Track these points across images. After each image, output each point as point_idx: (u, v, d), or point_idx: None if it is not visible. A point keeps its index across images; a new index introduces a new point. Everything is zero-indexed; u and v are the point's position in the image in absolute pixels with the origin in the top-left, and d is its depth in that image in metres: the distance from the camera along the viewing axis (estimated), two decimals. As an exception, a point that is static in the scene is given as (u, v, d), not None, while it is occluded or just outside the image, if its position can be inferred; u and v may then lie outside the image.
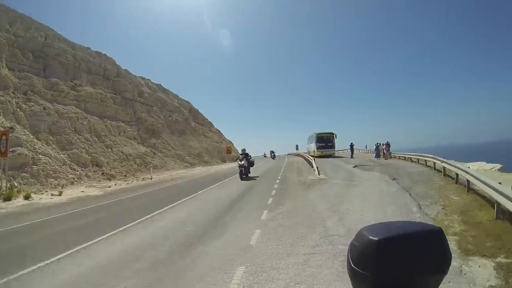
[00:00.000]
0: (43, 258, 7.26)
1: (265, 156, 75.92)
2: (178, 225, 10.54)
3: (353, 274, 1.21)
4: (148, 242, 8.57)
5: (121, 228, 10.11)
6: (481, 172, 13.16)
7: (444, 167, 16.87)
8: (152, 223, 10.96)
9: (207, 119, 78.31)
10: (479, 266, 5.73)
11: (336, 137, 46.60)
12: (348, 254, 1.25)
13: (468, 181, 12.11)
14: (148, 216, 11.88)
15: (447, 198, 11.71)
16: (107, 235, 9.37)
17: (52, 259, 7.28)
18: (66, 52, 41.11)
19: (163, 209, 13.20)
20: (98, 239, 8.96)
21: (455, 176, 14.45)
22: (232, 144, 77.53)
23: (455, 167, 14.42)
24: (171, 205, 14.11)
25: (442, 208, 10.33)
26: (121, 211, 13.64)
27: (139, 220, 11.26)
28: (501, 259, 5.95)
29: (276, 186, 18.45)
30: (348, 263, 1.22)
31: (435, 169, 19.42)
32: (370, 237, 1.16)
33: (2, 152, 18.10)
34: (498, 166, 21.64)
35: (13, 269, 6.58)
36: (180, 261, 6.95)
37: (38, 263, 6.97)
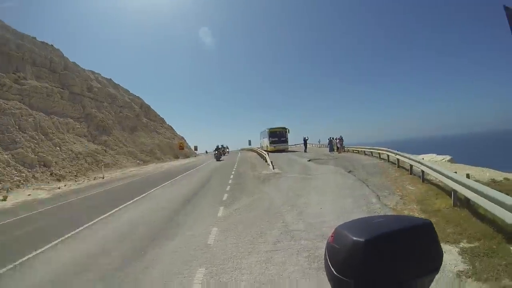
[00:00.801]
0: None
1: (207, 152, 74.28)
2: (130, 227, 10.07)
3: (335, 283, 1.07)
4: (98, 248, 8.04)
5: (69, 234, 9.44)
6: (434, 163, 13.82)
7: (398, 159, 17.30)
8: (102, 227, 10.41)
9: (158, 115, 76.62)
10: (445, 252, 5.85)
11: (288, 132, 47.07)
12: (326, 258, 1.09)
13: (422, 171, 12.48)
14: (98, 219, 11.28)
15: (404, 188, 11.97)
16: (53, 243, 8.68)
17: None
18: (8, 41, 38.18)
19: (114, 210, 12.63)
20: (43, 249, 8.20)
21: (409, 168, 14.90)
22: (185, 140, 76.48)
23: (410, 159, 14.86)
24: (123, 205, 13.53)
25: (400, 198, 10.52)
26: (70, 215, 12.86)
27: (88, 224, 10.66)
28: (464, 244, 6.11)
29: (230, 181, 18.22)
30: (328, 269, 1.07)
31: (389, 161, 19.81)
32: (354, 238, 1.01)
33: None
34: (448, 157, 22.75)
35: None
36: (134, 267, 6.50)
37: None
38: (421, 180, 12.65)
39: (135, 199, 15.05)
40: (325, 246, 1.11)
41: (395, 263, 1.01)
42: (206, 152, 75.38)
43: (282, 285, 5.22)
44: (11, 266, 7.08)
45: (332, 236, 1.12)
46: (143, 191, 17.39)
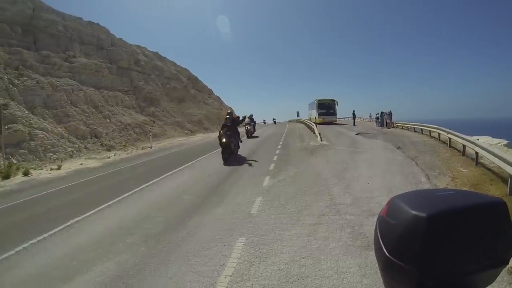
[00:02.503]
0: (35, 236, 6.90)
1: (265, 123, 77.39)
2: (176, 193, 10.10)
3: (386, 266, 0.88)
4: (144, 213, 8.14)
5: (116, 199, 9.68)
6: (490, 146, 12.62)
7: (449, 139, 16.19)
8: (149, 193, 10.54)
9: (206, 86, 77.22)
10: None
11: (337, 104, 46.03)
12: (377, 235, 0.93)
13: (476, 153, 11.55)
14: (144, 186, 11.49)
15: (455, 170, 11.18)
16: (101, 207, 8.97)
17: (45, 235, 6.94)
18: (56, 23, 39.76)
19: (161, 177, 12.81)
20: (91, 212, 8.54)
21: (461, 148, 13.92)
22: (233, 110, 76.99)
23: (463, 138, 13.77)
24: (170, 173, 13.71)
25: (451, 180, 9.82)
26: (117, 181, 13.19)
27: (135, 190, 10.86)
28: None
29: (277, 151, 18.04)
30: (378, 248, 0.90)
31: (439, 140, 18.82)
32: (414, 212, 0.82)
33: (-5, 129, 17.64)
34: (505, 141, 21.03)
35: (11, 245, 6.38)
36: (176, 233, 6.50)
37: (30, 241, 6.64)
38: (474, 163, 11.72)
39: (181, 167, 15.20)
40: (376, 220, 0.93)
41: (460, 247, 0.81)
42: (264, 122, 78.97)
43: (323, 261, 4.90)
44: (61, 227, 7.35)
45: (385, 208, 0.92)
46: (190, 159, 17.57)
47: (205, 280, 4.51)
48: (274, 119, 79.77)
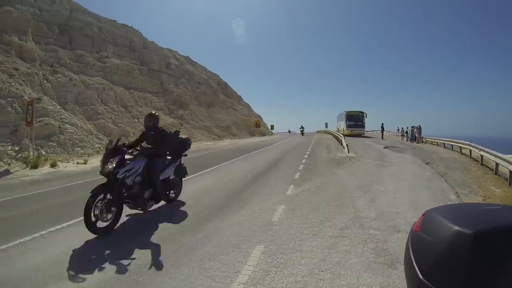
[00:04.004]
0: (55, 224, 6.95)
1: (290, 132, 76.44)
2: (197, 196, 9.99)
3: None
4: (161, 214, 8.01)
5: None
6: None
7: (481, 156, 15.59)
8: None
9: (236, 92, 77.59)
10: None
11: (366, 117, 45.49)
12: (409, 253, 0.82)
13: (510, 172, 11.03)
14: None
15: (487, 189, 10.62)
16: None
17: (63, 224, 7.04)
18: (91, 25, 41.26)
19: (184, 179, 12.69)
20: None
21: (494, 167, 13.32)
22: (261, 118, 76.86)
23: (496, 156, 13.15)
24: (193, 175, 13.56)
25: (483, 200, 9.26)
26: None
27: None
28: None
29: (304, 161, 17.84)
30: (410, 269, 0.79)
31: (470, 157, 18.20)
32: (456, 228, 0.71)
33: (29, 121, 18.14)
34: None
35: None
36: (193, 235, 6.34)
37: (49, 228, 6.73)
38: (507, 183, 11.17)
39: (206, 170, 15.26)
40: (408, 236, 0.83)
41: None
42: (289, 131, 77.46)
43: (343, 276, 4.58)
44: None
45: (419, 222, 0.84)
46: (216, 163, 17.62)
47: (217, 286, 4.30)
48: (301, 128, 64.62)
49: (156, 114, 8.24)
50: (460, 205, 0.72)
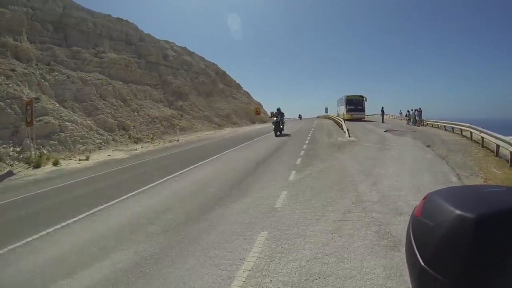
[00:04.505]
0: (60, 221, 7.04)
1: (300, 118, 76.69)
2: (200, 186, 10.06)
3: (420, 278, 0.68)
4: (166, 204, 8.13)
5: (140, 190, 9.74)
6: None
7: (482, 138, 15.38)
8: (173, 184, 10.57)
9: (235, 81, 77.04)
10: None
11: (366, 101, 45.16)
12: (410, 238, 0.72)
13: (511, 154, 10.94)
14: (169, 177, 11.55)
15: (488, 171, 10.58)
16: (125, 196, 9.06)
17: (69, 221, 7.07)
18: (86, 21, 40.88)
19: (186, 169, 12.85)
20: (115, 201, 8.64)
21: (495, 149, 13.19)
22: (261, 105, 76.47)
23: (496, 138, 12.98)
24: (195, 165, 13.72)
25: (484, 181, 9.28)
26: (143, 172, 13.33)
27: (159, 181, 10.92)
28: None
29: (305, 146, 17.88)
30: (411, 254, 0.71)
31: (471, 139, 18.01)
32: (458, 212, 0.62)
33: (28, 121, 18.12)
34: None
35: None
36: (197, 225, 6.42)
37: (54, 226, 6.79)
38: (508, 164, 11.09)
39: (207, 160, 15.28)
40: (408, 220, 0.73)
41: None
42: (300, 117, 76.92)
43: (346, 260, 4.63)
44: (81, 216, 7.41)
45: (420, 206, 0.72)
46: (216, 152, 17.62)
47: (223, 273, 4.36)
48: (299, 115, 79.26)
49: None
50: (462, 187, 0.70)
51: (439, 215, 0.64)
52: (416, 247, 0.67)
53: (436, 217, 0.65)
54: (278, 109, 27.07)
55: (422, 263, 0.65)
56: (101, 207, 8.13)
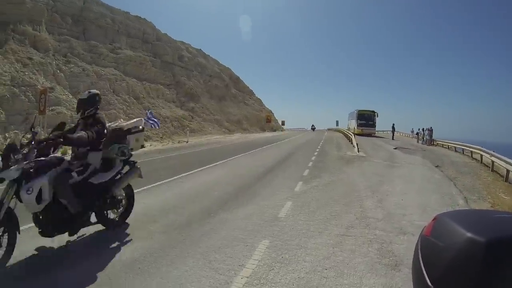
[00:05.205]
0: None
1: (313, 129, 76.18)
2: (206, 188, 10.04)
3: None
4: (170, 204, 8.11)
5: (145, 187, 9.71)
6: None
7: (492, 162, 15.27)
8: (179, 185, 10.56)
9: (248, 87, 77.36)
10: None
11: (377, 116, 45.15)
12: (417, 258, 0.79)
13: None
14: (176, 177, 11.55)
15: (496, 196, 10.49)
16: None
17: None
18: (105, 16, 41.59)
19: (193, 171, 12.86)
20: None
21: (505, 174, 13.09)
22: (273, 113, 76.58)
23: (507, 162, 12.90)
24: (202, 168, 13.74)
25: (491, 206, 9.20)
26: (148, 171, 13.34)
27: (166, 180, 10.93)
28: None
29: (314, 158, 17.91)
30: (419, 276, 0.74)
31: (481, 162, 17.91)
32: (470, 235, 0.67)
33: (41, 109, 18.34)
34: None
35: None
36: (200, 227, 6.40)
37: None
38: None
39: (216, 163, 15.29)
40: (417, 240, 0.85)
41: None
42: (313, 127, 76.00)
43: (346, 275, 4.57)
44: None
45: (430, 226, 0.83)
46: (225, 157, 17.68)
47: (221, 278, 4.33)
48: (312, 125, 77.11)
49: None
50: (471, 211, 0.69)
51: (449, 237, 0.64)
52: (424, 266, 0.67)
53: (446, 238, 0.65)
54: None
55: (429, 283, 0.66)
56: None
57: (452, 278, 0.61)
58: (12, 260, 4.55)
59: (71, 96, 25.95)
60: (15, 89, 21.31)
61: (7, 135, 18.35)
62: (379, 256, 5.20)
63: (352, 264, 4.90)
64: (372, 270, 4.71)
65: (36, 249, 5.08)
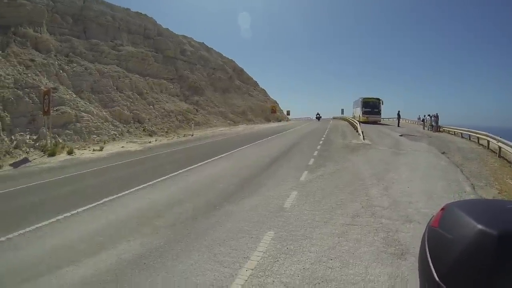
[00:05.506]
0: (70, 210, 7.12)
1: (318, 118, 75.09)
2: (211, 181, 10.08)
3: None
4: (175, 198, 8.14)
5: (151, 182, 9.79)
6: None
7: (499, 147, 14.93)
8: (184, 178, 10.60)
9: (252, 78, 76.82)
10: None
11: (383, 104, 44.73)
12: (425, 250, 0.68)
13: None
14: (181, 171, 11.60)
15: (504, 182, 10.26)
16: (135, 188, 9.12)
17: (79, 210, 7.17)
18: (105, 14, 41.38)
19: (198, 164, 12.89)
20: (125, 192, 8.71)
21: None
22: (277, 104, 76.17)
23: None
24: (207, 161, 13.76)
25: (498, 193, 9.01)
26: (155, 165, 13.43)
27: (171, 175, 10.97)
28: None
29: (319, 147, 17.84)
30: (425, 270, 0.66)
31: (488, 148, 17.55)
32: (480, 226, 0.59)
33: (45, 110, 18.44)
34: None
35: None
36: (205, 220, 6.41)
37: (64, 214, 6.88)
38: None
39: (221, 156, 15.30)
40: (424, 231, 0.72)
41: None
42: (318, 116, 74.35)
43: (351, 265, 4.54)
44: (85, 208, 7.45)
45: (438, 216, 0.70)
46: (230, 149, 17.70)
47: (226, 271, 4.34)
48: (318, 114, 70.50)
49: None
50: (482, 200, 0.65)
51: (459, 228, 0.60)
52: (431, 260, 0.63)
53: (455, 230, 0.60)
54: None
55: (437, 278, 0.62)
56: (112, 197, 8.21)
57: (460, 272, 0.57)
58: (15, 260, 4.61)
59: (74, 95, 26.01)
60: (18, 91, 21.41)
61: (13, 138, 18.43)
62: (385, 245, 5.16)
63: (358, 253, 4.86)
64: (377, 259, 4.68)
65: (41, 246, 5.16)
